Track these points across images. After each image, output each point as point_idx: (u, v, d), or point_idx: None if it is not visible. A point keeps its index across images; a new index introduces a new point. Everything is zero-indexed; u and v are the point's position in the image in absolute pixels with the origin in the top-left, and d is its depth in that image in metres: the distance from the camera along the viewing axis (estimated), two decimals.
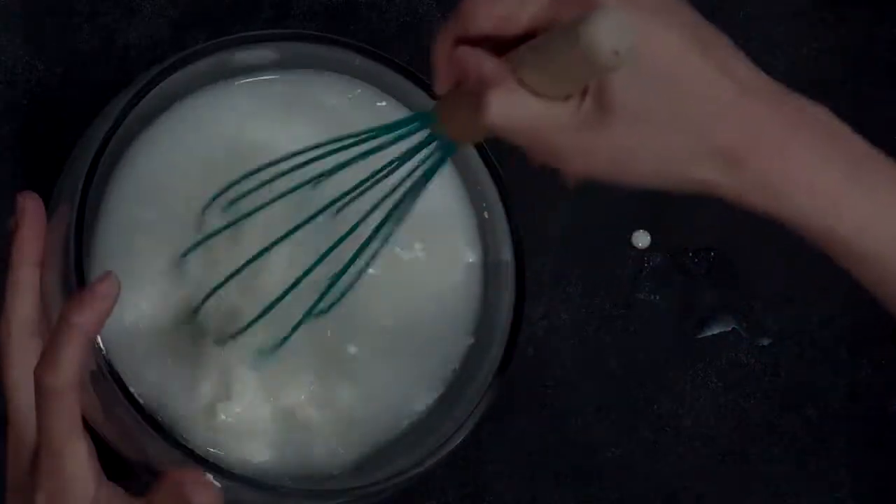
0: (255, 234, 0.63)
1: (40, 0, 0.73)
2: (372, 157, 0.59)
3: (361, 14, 0.75)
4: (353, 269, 0.61)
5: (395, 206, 0.59)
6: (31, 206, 0.61)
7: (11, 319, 0.60)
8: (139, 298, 0.64)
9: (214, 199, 0.63)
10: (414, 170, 0.58)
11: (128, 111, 0.61)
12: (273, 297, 0.62)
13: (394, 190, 0.59)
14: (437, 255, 0.67)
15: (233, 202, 0.64)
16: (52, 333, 0.56)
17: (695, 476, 0.76)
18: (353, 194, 0.61)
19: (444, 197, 0.67)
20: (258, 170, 0.62)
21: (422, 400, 0.66)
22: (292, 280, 0.61)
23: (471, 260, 0.68)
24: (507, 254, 0.66)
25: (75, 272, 0.59)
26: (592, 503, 0.76)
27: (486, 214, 0.68)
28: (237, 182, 0.63)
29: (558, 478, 0.75)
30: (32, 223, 0.61)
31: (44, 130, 0.73)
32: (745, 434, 0.76)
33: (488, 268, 0.67)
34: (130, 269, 0.63)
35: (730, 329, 0.76)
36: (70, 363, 0.55)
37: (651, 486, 0.76)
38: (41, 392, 0.55)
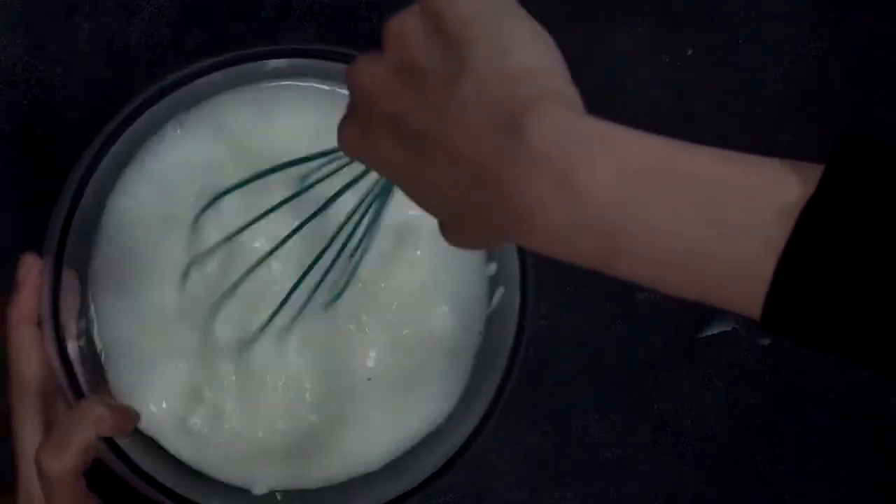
0: (247, 248, 0.64)
1: (40, 0, 0.73)
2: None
3: (361, 14, 0.75)
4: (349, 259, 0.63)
5: (368, 213, 0.61)
6: (35, 268, 0.61)
7: (18, 382, 0.61)
8: (143, 306, 0.64)
9: (203, 210, 0.64)
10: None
11: (115, 139, 0.62)
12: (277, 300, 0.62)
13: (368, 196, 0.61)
14: (451, 262, 0.67)
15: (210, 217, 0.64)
16: (65, 417, 0.56)
17: (695, 476, 0.76)
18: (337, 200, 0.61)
19: None
20: (243, 182, 0.63)
21: (438, 406, 0.66)
22: (292, 282, 0.62)
23: (481, 266, 0.67)
24: (512, 259, 0.66)
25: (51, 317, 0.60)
26: (592, 503, 0.76)
27: None
28: (223, 193, 0.63)
29: (558, 478, 0.75)
30: (35, 283, 0.61)
31: (44, 130, 0.73)
32: (745, 434, 0.76)
33: (498, 274, 0.67)
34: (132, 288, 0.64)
35: (730, 329, 0.76)
36: (75, 452, 0.55)
37: (651, 486, 0.76)
38: (42, 475, 0.55)
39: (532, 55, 0.45)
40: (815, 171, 0.42)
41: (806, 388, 0.76)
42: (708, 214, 0.43)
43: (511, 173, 0.43)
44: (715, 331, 0.76)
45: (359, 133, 0.49)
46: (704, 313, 0.76)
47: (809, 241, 0.42)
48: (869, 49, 0.77)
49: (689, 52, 0.76)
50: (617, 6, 0.76)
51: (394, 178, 0.49)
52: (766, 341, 0.76)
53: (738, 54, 0.76)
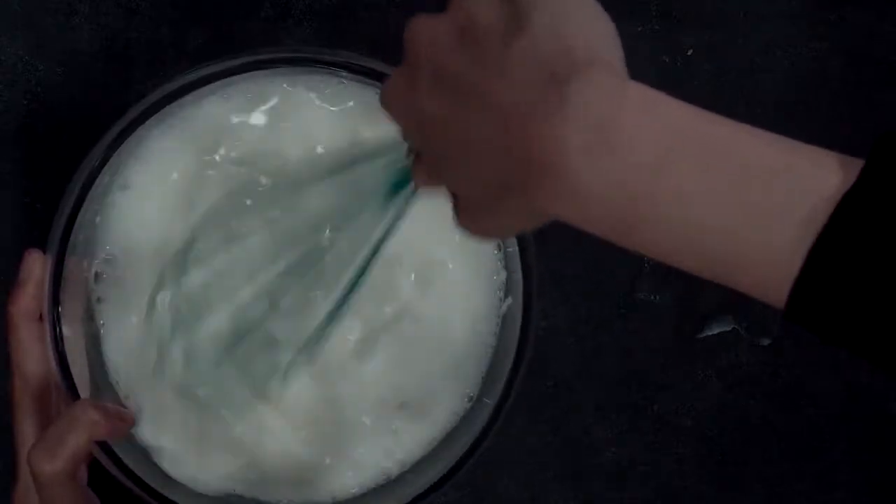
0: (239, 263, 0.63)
1: (40, 0, 0.73)
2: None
3: (361, 14, 0.75)
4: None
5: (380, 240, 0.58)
6: (38, 265, 0.61)
7: (19, 377, 0.61)
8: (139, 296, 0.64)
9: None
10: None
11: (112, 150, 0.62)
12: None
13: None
14: (465, 269, 0.67)
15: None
16: (58, 419, 0.56)
17: (695, 476, 0.76)
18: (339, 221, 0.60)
19: None
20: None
21: (448, 416, 0.66)
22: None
23: (493, 272, 0.67)
24: (515, 265, 0.66)
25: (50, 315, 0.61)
26: (592, 503, 0.76)
27: None
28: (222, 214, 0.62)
29: (558, 478, 0.75)
30: (38, 279, 0.61)
31: (44, 130, 0.73)
32: (745, 434, 0.76)
33: (507, 283, 0.67)
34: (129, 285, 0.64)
35: (730, 329, 0.76)
36: (67, 455, 0.55)
37: (650, 486, 0.76)
38: (34, 477, 0.55)
39: (588, 27, 0.46)
40: (856, 164, 0.42)
41: (805, 388, 0.76)
42: (741, 189, 0.43)
43: (546, 124, 0.43)
44: (715, 331, 0.76)
45: (403, 85, 0.49)
46: (704, 313, 0.76)
47: (846, 232, 0.41)
48: (869, 49, 0.77)
49: (689, 52, 0.76)
50: (617, 6, 0.76)
51: (423, 138, 0.49)
52: (765, 341, 0.76)
53: (738, 54, 0.76)
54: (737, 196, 0.43)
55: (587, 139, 0.43)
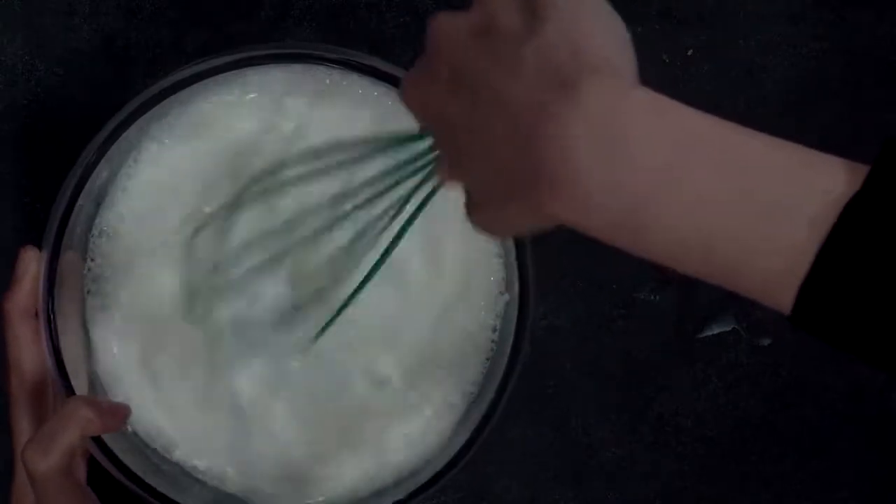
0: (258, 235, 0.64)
1: (40, 0, 0.74)
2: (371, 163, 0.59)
3: (361, 14, 0.75)
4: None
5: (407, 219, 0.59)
6: (34, 262, 0.61)
7: (16, 374, 0.61)
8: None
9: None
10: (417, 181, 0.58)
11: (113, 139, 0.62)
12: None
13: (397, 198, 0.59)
14: (462, 266, 0.67)
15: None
16: (52, 416, 0.57)
17: (695, 476, 0.76)
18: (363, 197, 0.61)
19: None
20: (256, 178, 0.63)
21: (451, 405, 0.66)
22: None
23: (491, 269, 0.67)
24: (512, 261, 0.66)
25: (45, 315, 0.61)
26: (592, 503, 0.76)
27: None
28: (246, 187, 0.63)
29: (558, 478, 0.75)
30: (34, 276, 0.61)
31: (44, 130, 0.73)
32: (745, 434, 0.76)
33: (504, 280, 0.67)
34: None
35: (730, 329, 0.76)
36: (61, 452, 0.55)
37: (651, 486, 0.76)
38: (29, 474, 0.55)
39: (601, 32, 0.46)
40: (862, 170, 0.42)
41: (806, 388, 0.76)
42: (750, 194, 0.43)
43: (553, 128, 0.44)
44: (715, 331, 0.76)
45: (421, 79, 0.50)
46: (704, 313, 0.76)
47: (852, 236, 0.41)
48: (869, 49, 0.77)
49: (689, 52, 0.76)
50: (617, 7, 0.76)
51: (439, 131, 0.50)
52: (765, 341, 0.76)
53: (738, 54, 0.76)
54: (746, 201, 0.43)
55: (592, 145, 0.43)
